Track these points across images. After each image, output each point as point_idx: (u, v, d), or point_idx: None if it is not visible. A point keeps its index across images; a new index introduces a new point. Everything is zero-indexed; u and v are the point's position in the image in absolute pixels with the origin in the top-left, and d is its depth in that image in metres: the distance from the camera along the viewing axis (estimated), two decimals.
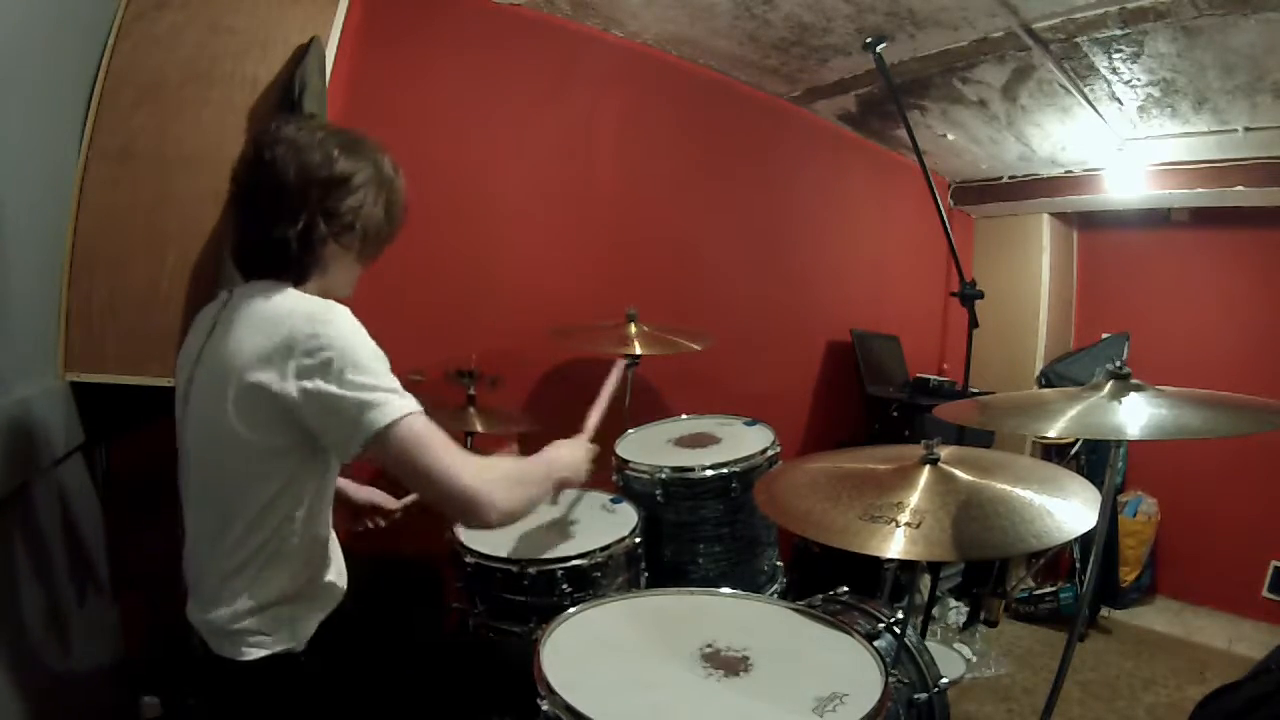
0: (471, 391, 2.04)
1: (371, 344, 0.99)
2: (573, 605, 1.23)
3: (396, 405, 0.96)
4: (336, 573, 1.17)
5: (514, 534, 1.57)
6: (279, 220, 1.04)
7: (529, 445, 2.34)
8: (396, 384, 0.99)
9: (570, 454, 1.29)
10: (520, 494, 1.06)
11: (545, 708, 0.95)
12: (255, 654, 1.04)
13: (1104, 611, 3.15)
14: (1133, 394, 1.07)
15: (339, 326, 0.97)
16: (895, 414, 3.11)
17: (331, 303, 1.01)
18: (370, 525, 1.47)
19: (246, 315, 1.01)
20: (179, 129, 1.57)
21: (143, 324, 1.52)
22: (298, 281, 1.08)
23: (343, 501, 1.39)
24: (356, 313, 1.19)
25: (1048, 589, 3.10)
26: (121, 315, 1.51)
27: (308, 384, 0.95)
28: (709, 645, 1.09)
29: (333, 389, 0.94)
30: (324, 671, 1.09)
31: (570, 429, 2.34)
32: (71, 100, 1.47)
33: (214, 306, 1.13)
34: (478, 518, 1.00)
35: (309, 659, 1.08)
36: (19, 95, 1.19)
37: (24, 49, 1.19)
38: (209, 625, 1.06)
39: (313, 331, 0.96)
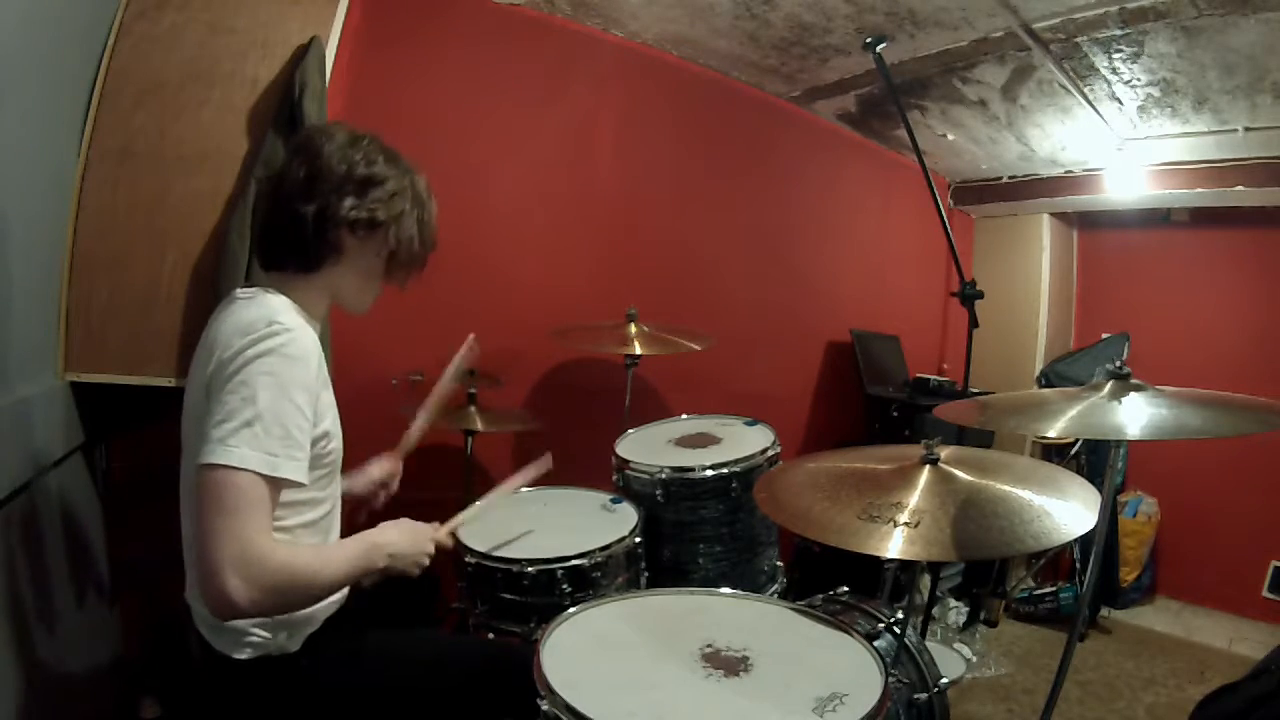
0: (472, 390, 2.04)
1: (291, 380, 0.96)
2: (573, 605, 1.23)
3: (239, 454, 0.90)
4: None
5: (513, 534, 1.57)
6: (306, 200, 1.07)
7: (529, 443, 2.35)
8: (273, 430, 0.93)
9: (401, 537, 1.12)
10: (265, 600, 0.91)
11: (545, 708, 0.95)
12: (252, 653, 1.05)
13: (1104, 611, 3.15)
14: (1133, 394, 1.07)
15: (274, 346, 0.96)
16: (895, 414, 3.11)
17: (292, 322, 1.00)
18: (385, 498, 1.44)
19: (224, 315, 1.03)
20: (179, 129, 1.57)
21: (143, 324, 1.53)
22: (310, 267, 1.10)
23: (354, 497, 1.38)
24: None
25: (1048, 589, 3.10)
26: (121, 315, 1.51)
27: (216, 382, 0.95)
28: (709, 645, 1.09)
29: (220, 397, 0.93)
30: (321, 672, 1.09)
31: (569, 428, 2.36)
32: (71, 100, 1.47)
33: (220, 306, 1.14)
34: (209, 598, 0.89)
35: (306, 659, 1.08)
36: (19, 95, 1.19)
37: (24, 49, 1.19)
38: (207, 621, 1.06)
39: (242, 348, 0.95)
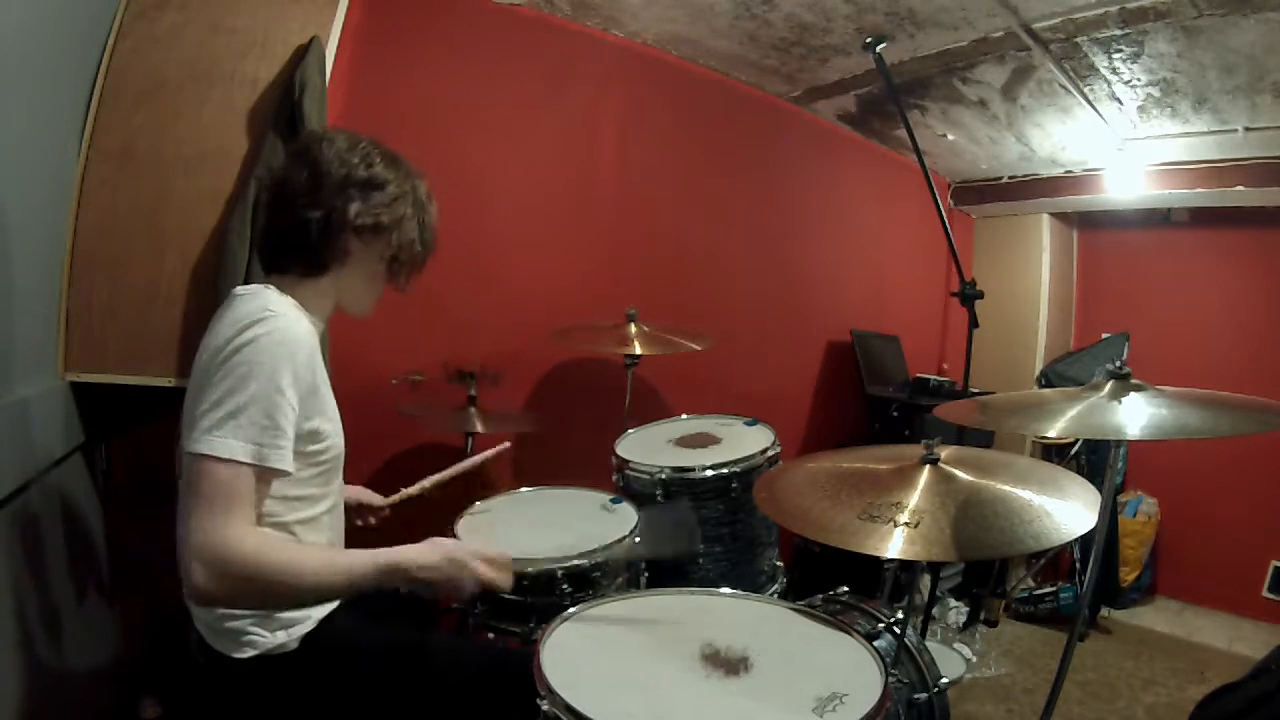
0: (472, 392, 2.04)
1: (282, 369, 0.96)
2: (573, 605, 1.23)
3: (226, 444, 0.91)
4: None
5: (514, 534, 1.57)
6: (309, 207, 1.08)
7: (529, 444, 2.35)
8: (260, 421, 0.93)
9: (447, 565, 1.06)
10: (234, 593, 0.92)
11: (545, 708, 0.95)
12: (251, 652, 1.05)
13: (1104, 611, 3.15)
14: (1133, 394, 1.07)
15: (266, 335, 0.97)
16: (895, 414, 3.11)
17: (283, 311, 1.01)
18: (360, 524, 1.45)
19: (223, 313, 1.04)
20: (179, 129, 1.57)
21: (143, 324, 1.53)
22: (314, 271, 1.11)
23: None
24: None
25: (1048, 589, 3.10)
26: (121, 315, 1.51)
27: (211, 372, 0.96)
28: (709, 645, 1.09)
29: (214, 385, 0.95)
30: (320, 671, 1.09)
31: (569, 428, 2.36)
32: (71, 100, 1.47)
33: (222, 306, 1.14)
34: (184, 582, 0.91)
35: (305, 658, 1.08)
36: (19, 95, 1.19)
37: (24, 49, 1.19)
38: (205, 621, 1.06)
39: (231, 336, 0.97)
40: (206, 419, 0.92)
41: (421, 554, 1.04)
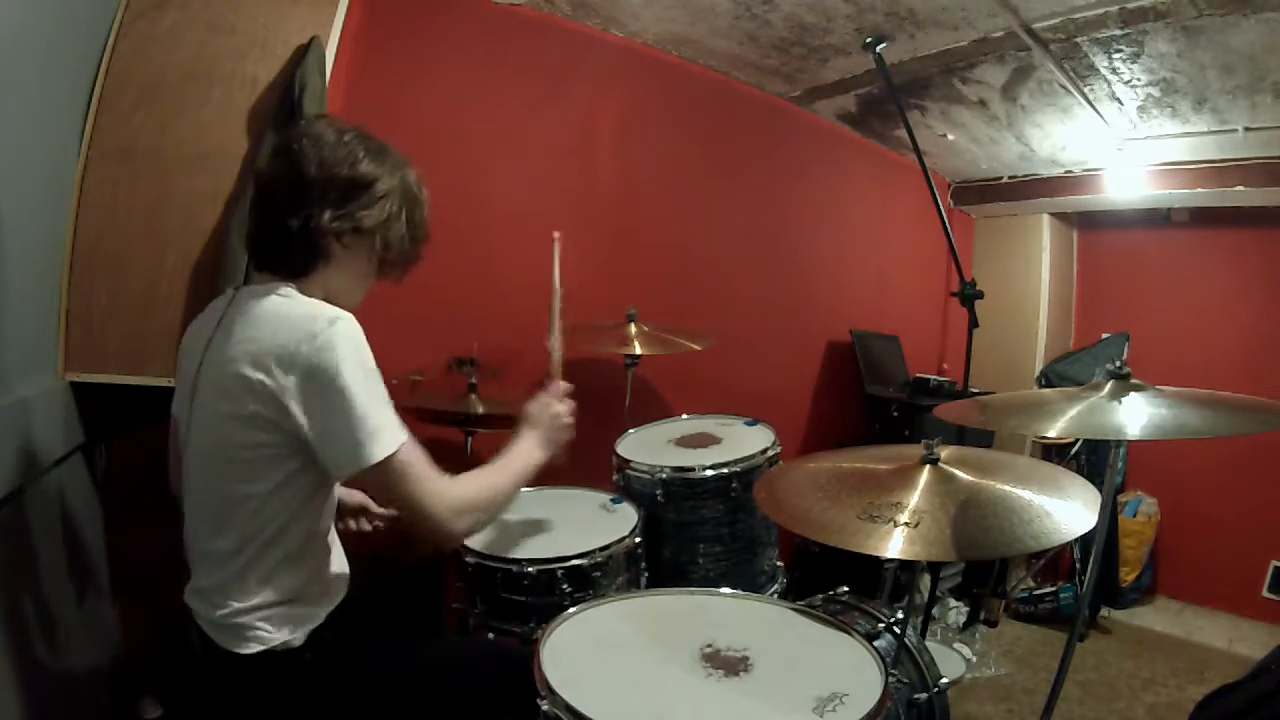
0: (473, 380, 2.04)
1: (369, 360, 1.00)
2: (573, 605, 1.23)
3: (390, 438, 0.99)
4: (339, 564, 1.18)
5: (513, 534, 1.57)
6: (292, 210, 1.05)
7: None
8: (387, 405, 1.01)
9: (538, 421, 1.32)
10: (481, 519, 1.14)
11: (545, 708, 0.95)
12: (256, 648, 1.04)
13: (1104, 611, 3.15)
14: (1133, 394, 1.07)
15: (340, 340, 0.97)
16: (895, 414, 3.11)
17: (335, 311, 1.01)
18: (354, 526, 1.44)
19: (252, 313, 1.03)
20: (179, 129, 1.57)
21: (143, 324, 1.52)
22: (300, 274, 1.09)
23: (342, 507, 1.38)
24: (356, 313, 1.19)
25: (1048, 589, 3.10)
26: (121, 315, 1.51)
27: (306, 399, 0.97)
28: (709, 645, 1.10)
29: (331, 410, 0.96)
30: (324, 667, 1.09)
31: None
32: (71, 100, 1.47)
33: (221, 302, 1.14)
34: (436, 542, 1.06)
35: (310, 654, 1.08)
36: (19, 95, 1.19)
37: (24, 49, 1.19)
38: (209, 618, 1.06)
39: (314, 344, 0.96)
40: (360, 432, 0.97)
41: (528, 433, 1.29)
